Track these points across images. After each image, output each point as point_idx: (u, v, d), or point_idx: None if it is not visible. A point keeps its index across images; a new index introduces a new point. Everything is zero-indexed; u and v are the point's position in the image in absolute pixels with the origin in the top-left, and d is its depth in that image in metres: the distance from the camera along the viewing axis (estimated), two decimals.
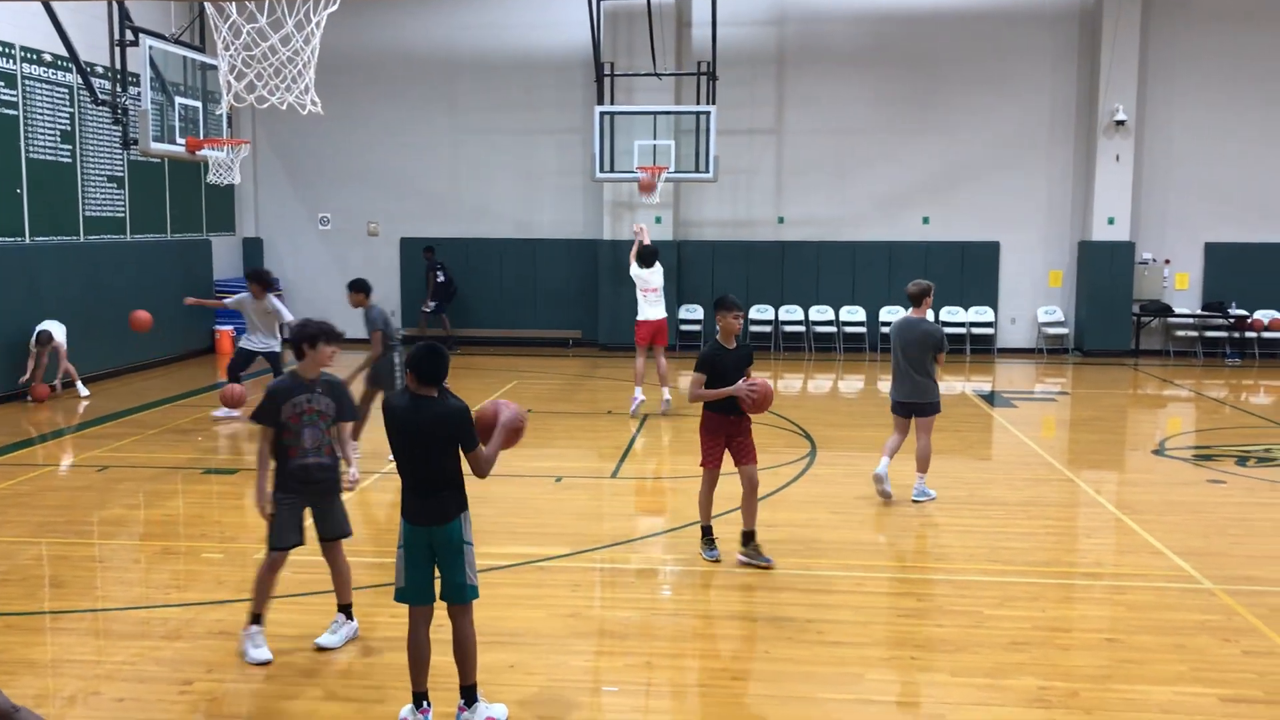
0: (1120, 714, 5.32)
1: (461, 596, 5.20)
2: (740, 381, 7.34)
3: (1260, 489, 10.02)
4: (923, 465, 9.23)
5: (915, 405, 9.15)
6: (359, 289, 10.56)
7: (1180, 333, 19.65)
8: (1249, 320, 19.08)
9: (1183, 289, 19.68)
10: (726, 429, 7.50)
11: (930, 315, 10.21)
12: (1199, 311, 19.47)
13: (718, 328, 7.58)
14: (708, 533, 7.74)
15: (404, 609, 5.24)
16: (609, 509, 9.68)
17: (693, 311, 20.14)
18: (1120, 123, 18.72)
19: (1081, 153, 19.45)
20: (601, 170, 18.12)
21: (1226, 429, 13.05)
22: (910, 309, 9.25)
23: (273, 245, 21.38)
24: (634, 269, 13.62)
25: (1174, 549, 7.98)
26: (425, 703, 5.15)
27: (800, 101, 19.98)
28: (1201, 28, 19.02)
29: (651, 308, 13.46)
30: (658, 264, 13.60)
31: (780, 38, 19.97)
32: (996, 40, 19.48)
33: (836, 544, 8.06)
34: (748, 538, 7.61)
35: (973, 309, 19.93)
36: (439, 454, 5.14)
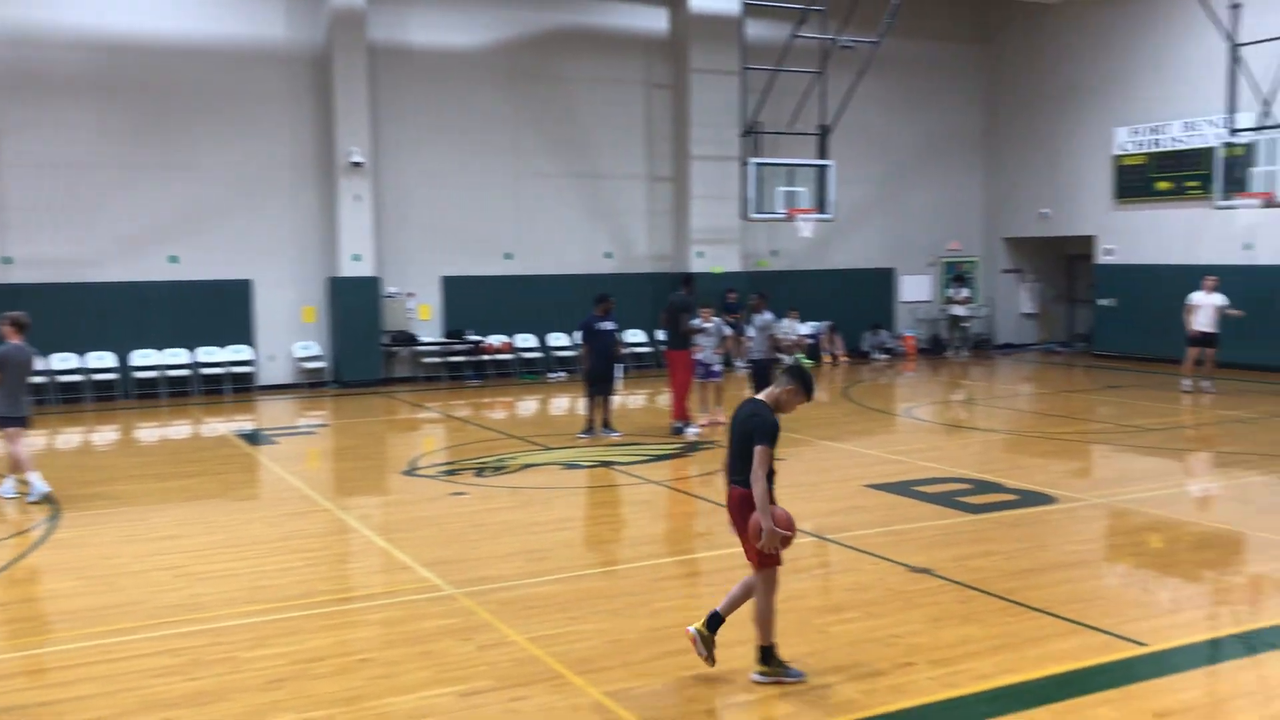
0: None
1: None
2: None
3: (495, 496, 11.21)
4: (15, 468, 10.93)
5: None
6: None
7: (427, 360, 21.25)
8: (483, 345, 21.30)
9: (426, 319, 21.33)
10: None
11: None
12: (441, 339, 21.25)
13: (781, 402, 6.13)
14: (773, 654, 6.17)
15: None
16: None
17: None
18: (357, 164, 19.77)
19: (324, 192, 20.17)
20: None
21: (469, 444, 14.39)
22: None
23: None
24: None
25: (421, 562, 8.61)
26: None
27: (19, 131, 18.11)
28: (422, 80, 20.83)
29: None
30: None
31: None
32: (233, 78, 19.45)
33: (82, 613, 7.43)
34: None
35: (230, 347, 19.67)
36: None
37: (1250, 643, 6.86)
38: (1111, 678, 6.18)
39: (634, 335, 22.58)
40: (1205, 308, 18.00)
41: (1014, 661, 6.38)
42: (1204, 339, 18.06)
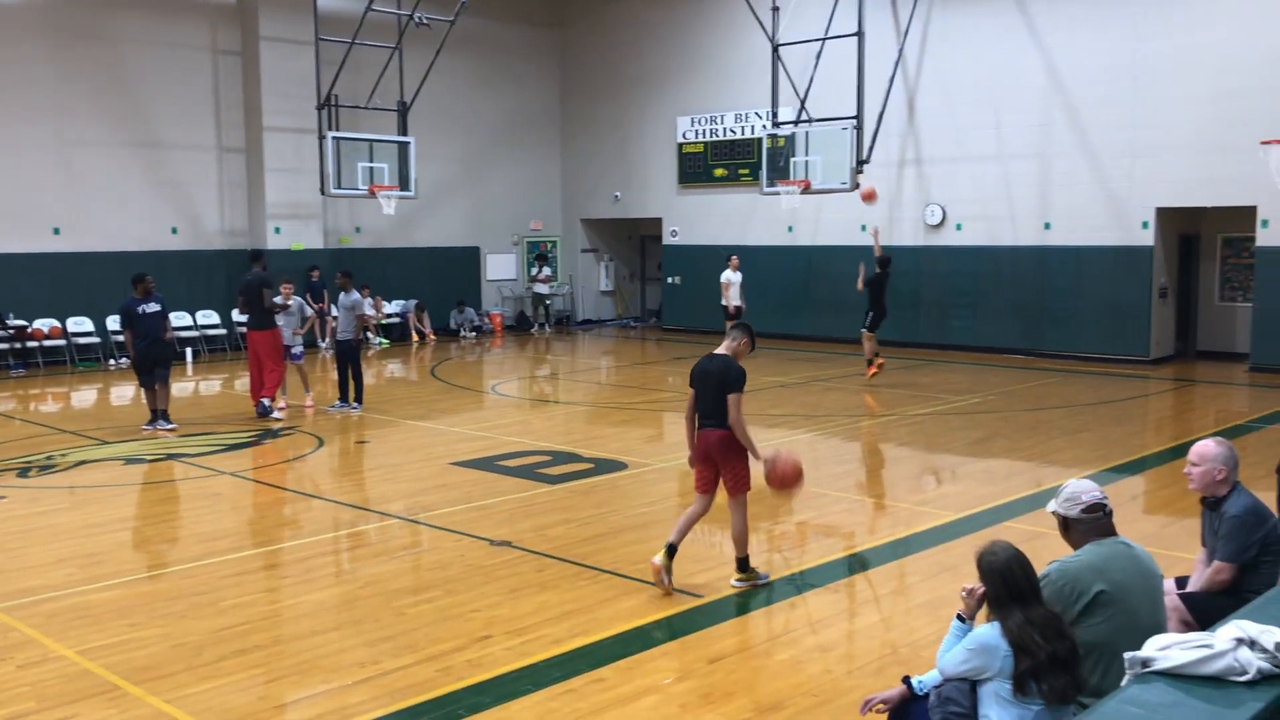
0: None
1: None
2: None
3: (43, 498, 10.16)
4: None
5: None
6: None
7: None
8: (30, 330, 19.15)
9: None
10: None
11: None
12: None
13: (739, 353, 7.41)
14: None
15: None
16: None
17: None
18: None
19: None
20: None
21: (14, 441, 12.91)
22: None
23: None
24: None
25: None
26: None
27: None
28: None
29: None
30: None
31: None
32: None
33: None
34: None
35: None
36: None
37: (798, 584, 7.65)
38: (672, 630, 6.67)
39: (206, 316, 21.28)
40: (734, 284, 19.79)
41: (585, 624, 6.71)
42: (735, 312, 19.90)
